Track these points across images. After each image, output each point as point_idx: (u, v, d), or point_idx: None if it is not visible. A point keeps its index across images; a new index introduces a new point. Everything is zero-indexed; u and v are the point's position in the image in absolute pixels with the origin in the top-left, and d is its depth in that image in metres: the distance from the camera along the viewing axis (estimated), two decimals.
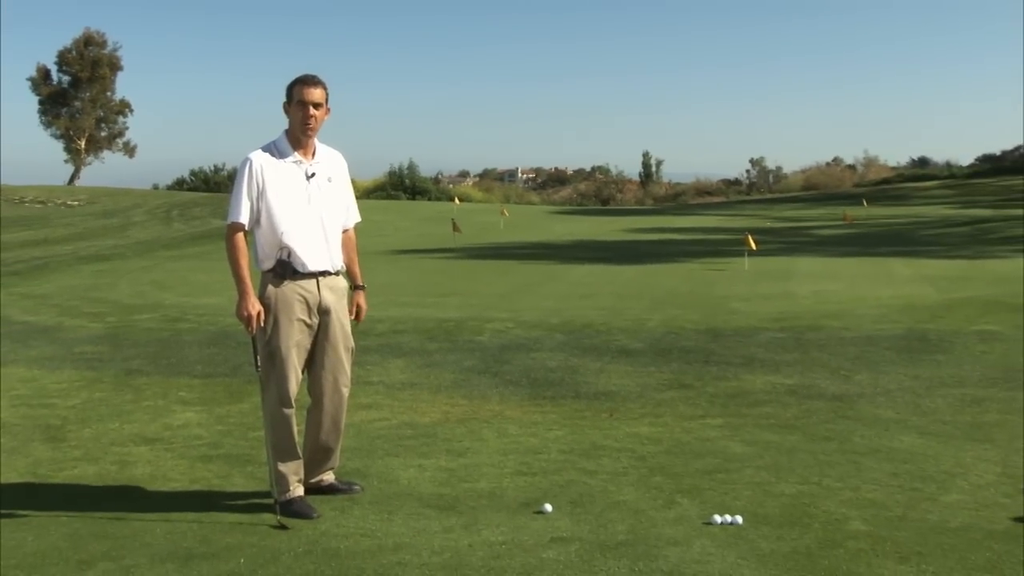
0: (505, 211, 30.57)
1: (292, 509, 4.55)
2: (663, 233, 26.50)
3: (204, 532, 4.34)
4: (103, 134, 61.21)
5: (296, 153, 4.62)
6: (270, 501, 4.56)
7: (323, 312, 4.66)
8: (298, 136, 4.62)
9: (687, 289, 13.72)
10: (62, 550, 4.15)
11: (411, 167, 53.55)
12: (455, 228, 21.95)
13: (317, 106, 4.58)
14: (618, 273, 16.37)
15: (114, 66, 60.14)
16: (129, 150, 61.79)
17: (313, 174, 4.63)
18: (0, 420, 6.58)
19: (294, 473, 4.65)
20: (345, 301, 4.80)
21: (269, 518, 4.51)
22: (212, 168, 61.40)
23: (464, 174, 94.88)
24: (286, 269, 4.57)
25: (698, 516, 4.48)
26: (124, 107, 61.48)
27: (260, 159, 4.56)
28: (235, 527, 4.40)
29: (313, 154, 4.67)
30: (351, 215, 4.89)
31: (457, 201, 38.65)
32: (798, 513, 4.52)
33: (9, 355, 9.12)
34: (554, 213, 39.07)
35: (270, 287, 4.58)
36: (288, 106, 4.60)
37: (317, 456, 4.82)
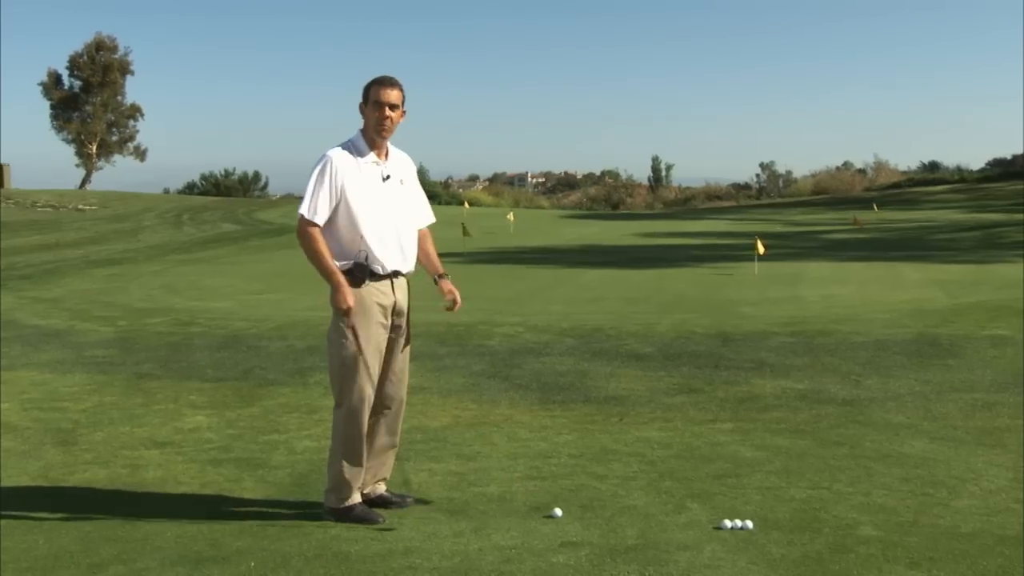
0: (513, 216, 30.55)
1: (353, 516, 4.52)
2: (673, 237, 26.46)
3: (214, 536, 4.35)
4: (114, 138, 61.37)
5: (372, 153, 4.57)
6: (283, 506, 4.56)
7: (397, 314, 4.62)
8: (373, 137, 4.57)
9: (697, 293, 13.70)
10: (73, 553, 4.17)
11: (421, 171, 53.49)
12: (465, 232, 21.96)
13: (393, 107, 4.54)
14: (627, 277, 16.35)
15: (125, 71, 60.32)
16: (140, 154, 61.94)
17: (388, 176, 4.59)
18: (12, 423, 6.61)
19: (357, 480, 4.60)
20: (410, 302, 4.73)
21: (280, 522, 4.52)
22: (223, 172, 61.63)
23: (474, 178, 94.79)
24: (364, 271, 4.50)
25: (708, 521, 4.47)
26: (135, 111, 61.64)
27: (340, 158, 4.49)
28: (245, 531, 4.41)
29: (387, 155, 4.63)
30: (425, 216, 4.85)
31: (467, 205, 38.60)
32: (808, 518, 4.51)
33: (20, 359, 9.17)
34: (564, 217, 39.05)
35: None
36: (364, 106, 4.55)
37: (375, 463, 4.72)
